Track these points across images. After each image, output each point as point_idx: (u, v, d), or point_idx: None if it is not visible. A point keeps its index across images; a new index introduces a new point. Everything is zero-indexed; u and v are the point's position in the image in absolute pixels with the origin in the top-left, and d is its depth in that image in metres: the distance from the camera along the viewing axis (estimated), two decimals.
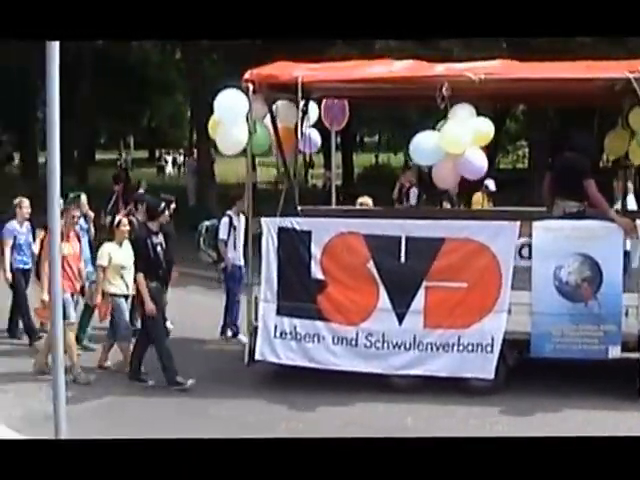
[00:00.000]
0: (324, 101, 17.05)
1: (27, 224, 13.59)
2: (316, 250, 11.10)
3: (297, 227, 11.23)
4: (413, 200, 17.55)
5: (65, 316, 11.49)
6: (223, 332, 13.78)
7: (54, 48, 6.53)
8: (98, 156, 61.63)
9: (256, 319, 11.48)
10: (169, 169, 51.82)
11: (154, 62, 43.16)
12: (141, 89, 43.89)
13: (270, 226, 11.31)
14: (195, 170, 32.93)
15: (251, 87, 11.32)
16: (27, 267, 13.46)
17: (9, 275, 13.38)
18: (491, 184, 16.73)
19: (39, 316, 12.06)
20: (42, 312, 11.86)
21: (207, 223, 13.89)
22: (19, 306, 13.67)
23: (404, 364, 10.88)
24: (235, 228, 13.55)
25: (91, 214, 14.33)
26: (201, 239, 13.71)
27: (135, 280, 11.53)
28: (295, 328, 11.20)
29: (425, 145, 11.13)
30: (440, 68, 11.43)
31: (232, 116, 11.51)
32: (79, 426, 7.56)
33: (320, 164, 41.40)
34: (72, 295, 11.98)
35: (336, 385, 10.89)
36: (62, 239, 11.63)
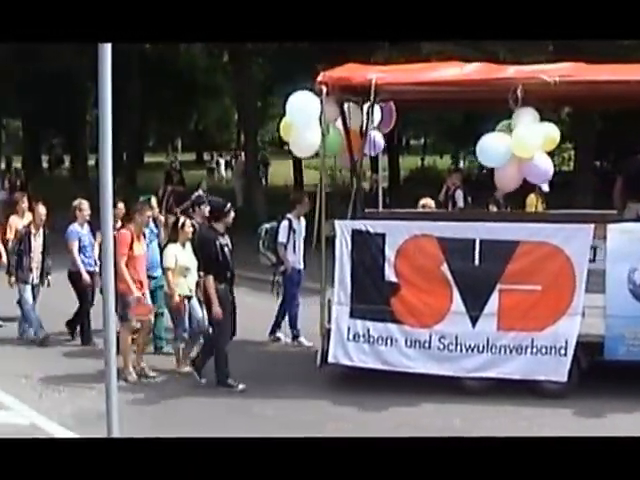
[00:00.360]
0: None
1: (87, 226, 13.69)
2: (390, 252, 11.12)
3: (371, 230, 11.23)
4: (460, 202, 17.51)
5: (128, 317, 11.70)
6: (273, 332, 13.81)
7: (106, 50, 6.60)
8: (146, 159, 62.03)
9: (329, 322, 11.50)
10: (222, 171, 51.92)
11: (202, 66, 43.38)
12: (189, 92, 44.16)
13: (344, 229, 11.34)
14: (242, 172, 33.15)
15: (324, 89, 11.26)
16: (92, 269, 13.54)
17: (86, 276, 13.43)
18: (544, 186, 16.63)
19: (135, 314, 12.07)
20: (137, 309, 11.95)
21: (267, 226, 13.84)
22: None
23: (477, 367, 10.93)
24: (295, 231, 13.51)
25: (161, 218, 14.37)
26: (261, 242, 13.67)
27: (203, 282, 11.55)
28: (368, 331, 11.21)
29: (493, 147, 11.14)
30: (511, 70, 11.45)
31: (305, 119, 11.54)
32: (130, 425, 7.67)
33: (365, 166, 41.38)
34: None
35: (391, 386, 10.99)
36: (133, 240, 11.87)
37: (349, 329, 11.25)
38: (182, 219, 12.50)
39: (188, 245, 12.17)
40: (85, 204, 13.62)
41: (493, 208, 16.11)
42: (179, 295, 11.96)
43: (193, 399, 11.15)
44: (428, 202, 14.16)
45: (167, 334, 13.13)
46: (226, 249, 11.57)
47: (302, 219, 13.58)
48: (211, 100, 52.36)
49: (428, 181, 29.10)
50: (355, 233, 11.27)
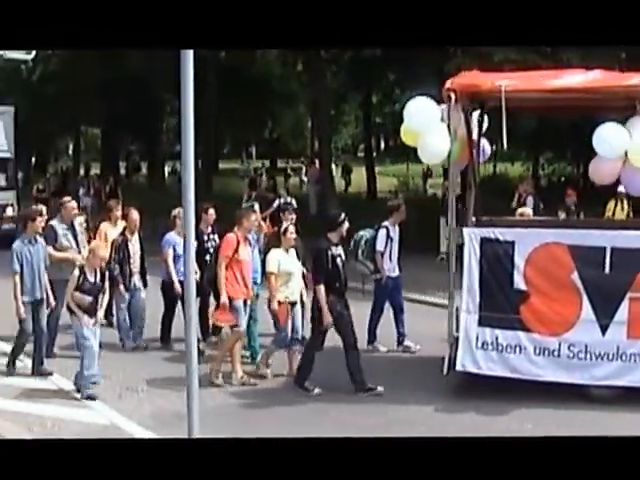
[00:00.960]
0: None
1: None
2: (519, 260, 11.04)
3: (500, 237, 11.17)
4: (530, 209, 17.51)
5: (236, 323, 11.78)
6: (371, 342, 13.66)
7: (188, 57, 6.82)
8: (221, 165, 62.62)
9: (457, 330, 11.46)
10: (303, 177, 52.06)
11: (276, 74, 43.67)
12: (264, 100, 44.46)
13: (472, 236, 11.27)
14: (316, 179, 33.30)
15: (453, 96, 11.21)
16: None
17: (178, 287, 13.06)
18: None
19: (219, 320, 12.18)
20: (221, 315, 12.03)
21: (366, 234, 13.70)
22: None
23: (607, 375, 10.82)
24: (392, 239, 13.45)
25: (263, 225, 14.33)
26: (359, 250, 13.58)
27: (314, 291, 11.51)
28: (497, 339, 11.13)
29: (612, 136, 11.01)
30: (636, 80, 11.25)
31: (429, 125, 11.51)
32: (209, 426, 7.79)
33: (438, 173, 41.39)
34: (244, 302, 12.23)
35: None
36: (239, 244, 11.91)
37: (477, 337, 11.17)
38: (285, 225, 12.54)
39: (292, 251, 12.20)
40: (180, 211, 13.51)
41: (562, 215, 16.06)
42: (281, 301, 11.98)
43: (276, 406, 11.21)
44: (526, 211, 13.99)
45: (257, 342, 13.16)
46: (338, 259, 11.54)
47: (397, 227, 13.58)
48: (285, 107, 52.63)
49: (499, 188, 29.02)
50: (484, 241, 11.21)
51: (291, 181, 49.79)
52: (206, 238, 13.73)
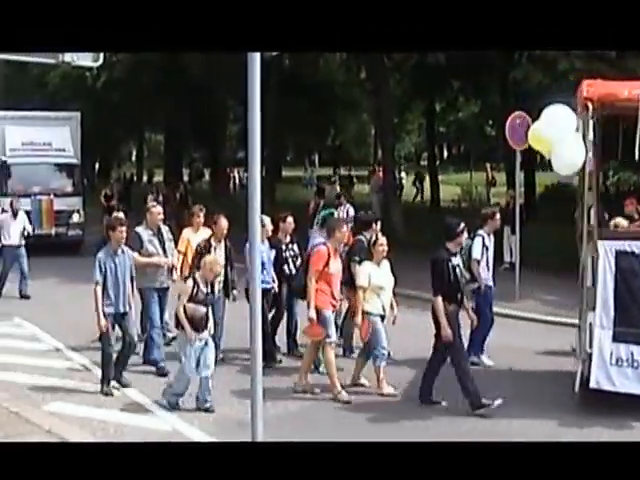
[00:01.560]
0: (509, 120, 17.05)
1: (267, 242, 13.34)
2: None
3: (636, 251, 10.89)
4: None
5: (327, 334, 11.56)
6: (476, 354, 13.30)
7: (255, 62, 6.83)
8: (284, 173, 62.87)
9: (590, 346, 11.00)
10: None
11: (340, 81, 43.74)
12: (327, 107, 44.55)
13: (607, 249, 10.92)
14: (380, 187, 33.28)
15: (590, 106, 10.88)
16: (268, 287, 13.03)
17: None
18: None
19: (308, 334, 11.90)
20: (310, 329, 11.78)
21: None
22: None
23: None
24: (487, 248, 13.23)
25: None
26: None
27: (432, 303, 11.15)
28: (632, 355, 10.76)
29: None
30: None
31: (566, 134, 11.21)
32: (271, 433, 7.81)
33: (501, 182, 41.12)
34: (334, 313, 12.09)
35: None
36: (330, 257, 11.69)
37: (612, 353, 10.78)
38: (368, 235, 12.38)
39: (384, 263, 11.93)
40: (267, 220, 13.31)
41: (623, 223, 15.70)
42: (372, 312, 11.69)
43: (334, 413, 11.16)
44: (621, 222, 13.43)
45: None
46: (457, 270, 11.20)
47: (492, 235, 13.41)
48: (348, 115, 52.71)
49: (563, 198, 28.75)
50: (619, 254, 10.87)
51: (355, 189, 49.73)
52: (284, 247, 13.67)
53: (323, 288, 11.70)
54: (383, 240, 11.97)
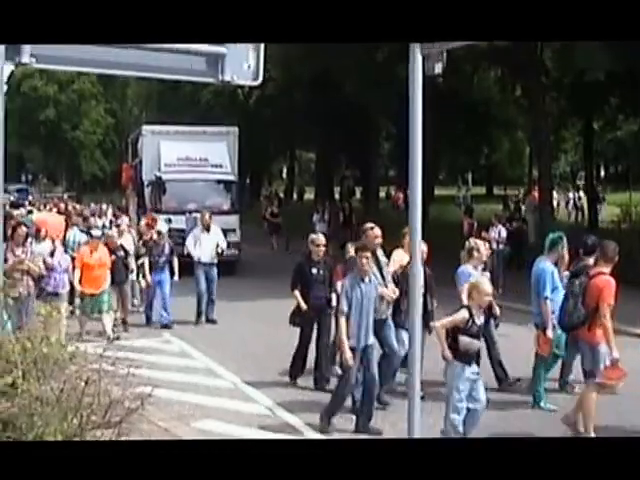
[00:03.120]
0: None
1: (480, 267, 12.69)
2: None
3: None
4: None
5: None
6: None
7: (417, 79, 6.83)
8: (436, 192, 62.57)
9: None
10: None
11: (495, 99, 43.31)
12: (481, 125, 44.20)
13: None
14: (535, 207, 32.74)
15: None
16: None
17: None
18: None
19: (612, 378, 10.51)
20: (611, 373, 10.38)
21: None
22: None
23: None
24: None
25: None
26: None
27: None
28: None
29: None
30: None
31: None
32: None
33: None
34: None
35: None
36: None
37: None
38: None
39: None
40: (480, 244, 12.86)
41: None
42: None
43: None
44: None
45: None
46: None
47: None
48: (503, 133, 52.21)
49: None
50: None
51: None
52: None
53: None
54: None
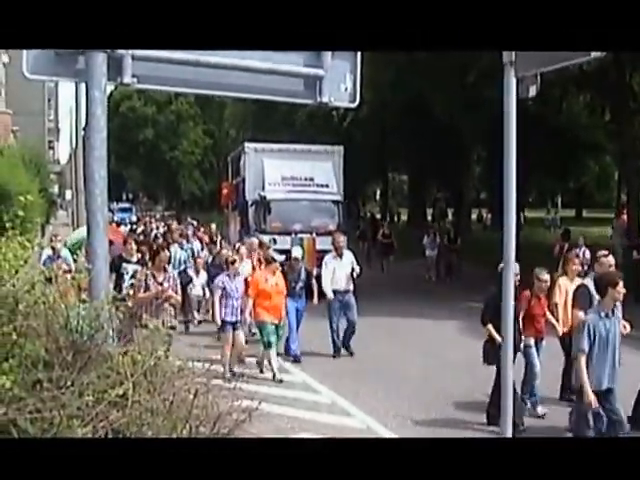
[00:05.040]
0: None
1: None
2: None
3: None
4: None
5: None
6: None
7: (511, 104, 6.93)
8: (526, 214, 62.57)
9: None
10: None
11: (583, 123, 43.51)
12: (570, 149, 44.27)
13: None
14: (624, 231, 32.77)
15: None
16: None
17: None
18: None
19: None
20: None
21: None
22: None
23: None
24: None
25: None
26: None
27: None
28: None
29: None
30: None
31: None
32: None
33: None
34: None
35: None
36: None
37: None
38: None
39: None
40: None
41: None
42: None
43: None
44: None
45: None
46: None
47: None
48: (591, 158, 52.05)
49: None
50: None
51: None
52: None
53: None
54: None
